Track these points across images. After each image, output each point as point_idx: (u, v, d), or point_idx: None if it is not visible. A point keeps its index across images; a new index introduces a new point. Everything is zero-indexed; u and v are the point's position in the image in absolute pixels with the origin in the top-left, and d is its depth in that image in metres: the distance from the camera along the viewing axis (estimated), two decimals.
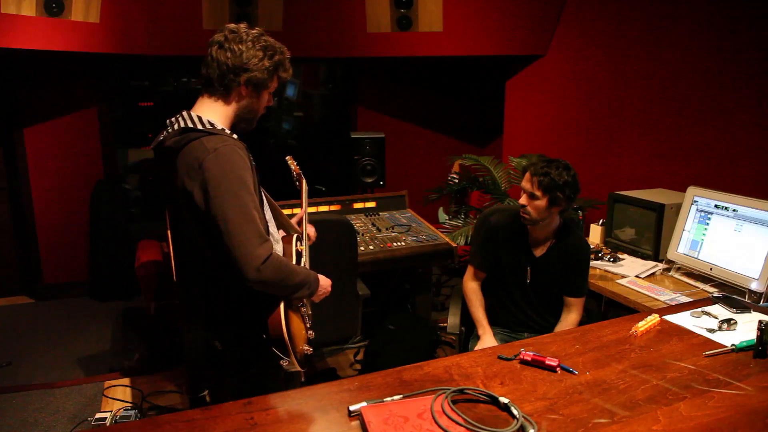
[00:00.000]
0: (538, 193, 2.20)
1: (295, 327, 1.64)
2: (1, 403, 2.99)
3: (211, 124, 1.60)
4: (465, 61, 4.96)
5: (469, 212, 3.99)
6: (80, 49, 3.57)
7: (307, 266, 1.85)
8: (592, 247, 3.06)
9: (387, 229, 3.35)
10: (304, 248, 1.87)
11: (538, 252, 2.36)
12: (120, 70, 4.85)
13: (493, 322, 2.44)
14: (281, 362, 1.60)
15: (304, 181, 2.13)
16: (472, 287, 2.46)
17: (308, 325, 1.76)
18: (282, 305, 1.59)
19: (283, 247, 1.80)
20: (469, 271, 2.49)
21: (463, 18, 4.15)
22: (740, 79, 2.91)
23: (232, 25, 1.64)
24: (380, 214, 3.62)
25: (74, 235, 4.49)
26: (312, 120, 5.97)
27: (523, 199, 2.25)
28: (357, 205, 3.64)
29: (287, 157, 2.16)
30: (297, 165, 2.16)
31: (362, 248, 3.00)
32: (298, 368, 1.64)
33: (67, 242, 4.48)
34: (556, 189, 2.17)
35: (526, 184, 2.24)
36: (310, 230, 2.02)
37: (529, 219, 2.26)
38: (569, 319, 2.35)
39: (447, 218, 4.01)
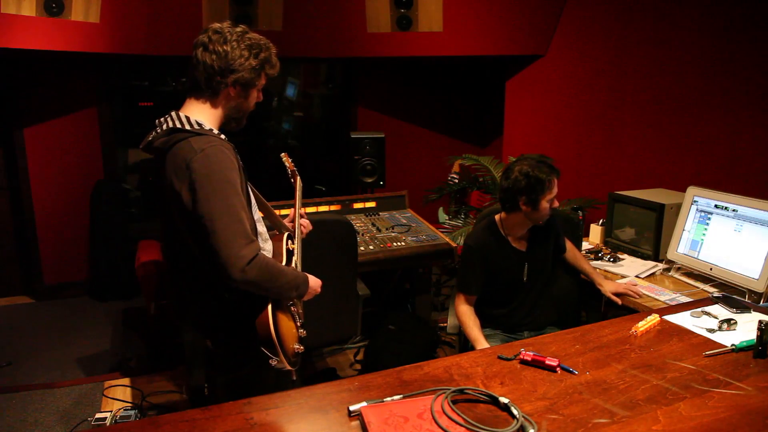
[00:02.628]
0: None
1: (285, 326, 1.64)
2: (1, 403, 2.99)
3: (199, 125, 1.59)
4: (465, 61, 4.96)
5: (469, 212, 3.99)
6: (80, 49, 3.57)
7: (299, 264, 1.84)
8: (592, 247, 3.07)
9: (387, 229, 3.35)
10: (296, 246, 1.86)
11: (523, 246, 2.40)
12: (120, 70, 4.84)
13: (493, 327, 2.45)
14: (270, 361, 1.60)
15: (298, 178, 2.12)
16: (464, 310, 2.39)
17: (299, 324, 1.75)
18: (270, 305, 1.59)
19: (273, 245, 1.79)
20: (460, 297, 2.42)
21: (463, 18, 4.14)
22: (740, 78, 2.91)
23: (216, 25, 1.62)
24: (380, 214, 3.62)
25: (74, 235, 4.49)
26: (312, 120, 5.96)
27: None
28: (357, 205, 3.64)
29: (282, 154, 2.15)
30: (292, 162, 2.15)
31: (362, 248, 3.00)
32: (288, 367, 1.64)
33: (67, 242, 4.48)
34: (516, 198, 2.28)
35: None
36: (304, 222, 2.01)
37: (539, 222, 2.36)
38: (577, 255, 2.59)
39: (447, 218, 4.01)
